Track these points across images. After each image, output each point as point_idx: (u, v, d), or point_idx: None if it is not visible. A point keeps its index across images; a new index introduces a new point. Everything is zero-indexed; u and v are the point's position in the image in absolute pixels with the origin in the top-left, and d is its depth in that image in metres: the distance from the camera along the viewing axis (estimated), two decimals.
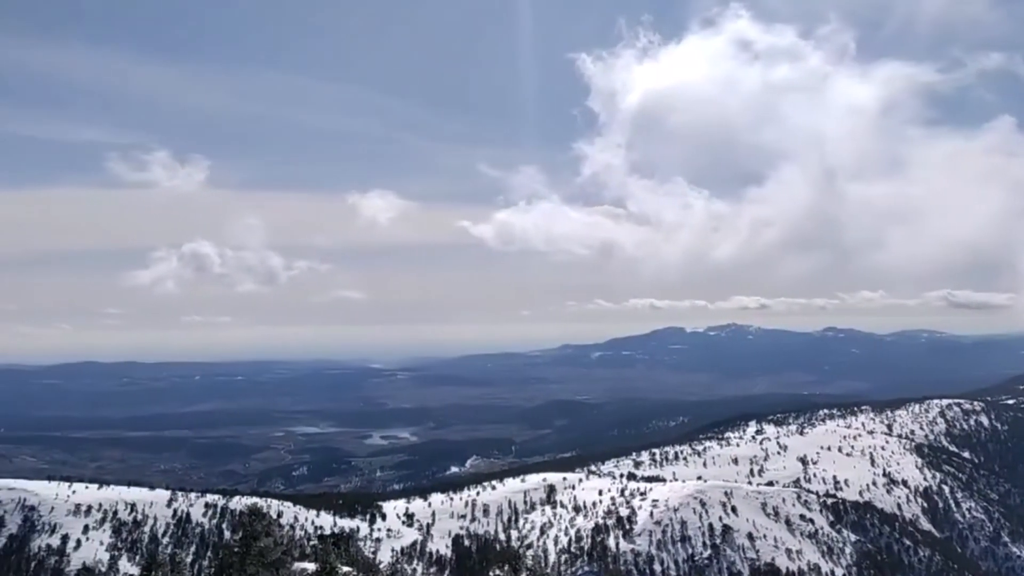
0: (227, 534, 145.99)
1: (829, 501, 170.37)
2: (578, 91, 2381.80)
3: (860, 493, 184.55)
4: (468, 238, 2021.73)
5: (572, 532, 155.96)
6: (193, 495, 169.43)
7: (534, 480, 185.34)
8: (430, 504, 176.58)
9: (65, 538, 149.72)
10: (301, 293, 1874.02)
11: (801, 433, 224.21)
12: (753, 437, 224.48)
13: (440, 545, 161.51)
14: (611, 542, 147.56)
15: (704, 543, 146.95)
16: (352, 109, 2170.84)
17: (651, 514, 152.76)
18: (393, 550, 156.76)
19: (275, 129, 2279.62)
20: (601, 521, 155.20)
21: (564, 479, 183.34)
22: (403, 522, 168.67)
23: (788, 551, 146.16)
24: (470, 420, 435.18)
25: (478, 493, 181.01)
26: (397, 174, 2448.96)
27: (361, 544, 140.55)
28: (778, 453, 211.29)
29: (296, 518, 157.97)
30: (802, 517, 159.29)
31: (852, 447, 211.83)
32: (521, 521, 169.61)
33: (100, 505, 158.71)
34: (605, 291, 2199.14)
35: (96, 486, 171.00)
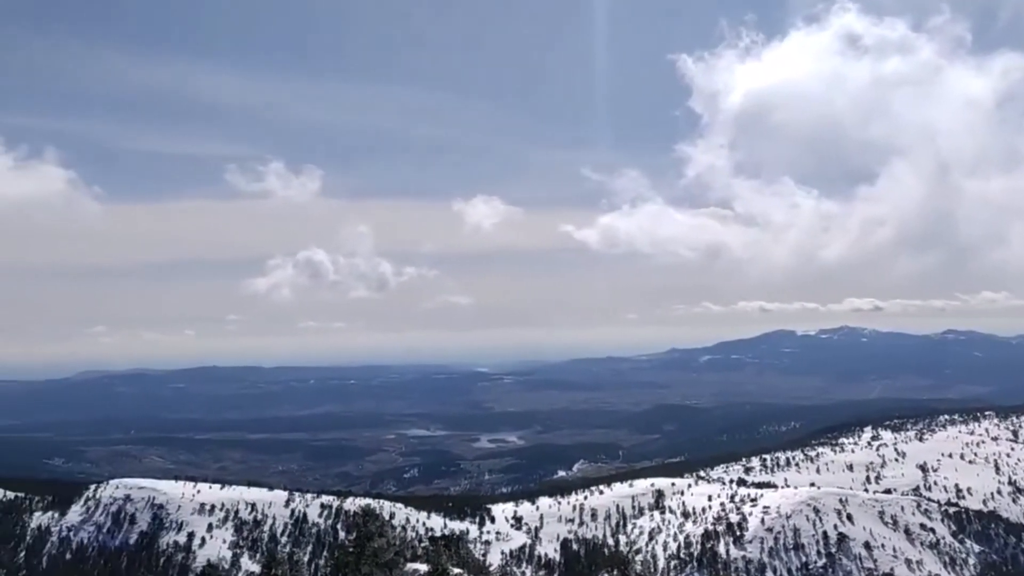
0: (342, 534, 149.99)
1: (951, 510, 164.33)
2: (679, 92, 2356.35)
3: (984, 502, 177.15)
4: (572, 242, 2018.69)
5: (681, 538, 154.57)
6: (309, 496, 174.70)
7: (642, 485, 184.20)
8: (538, 507, 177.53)
9: (191, 536, 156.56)
10: (410, 299, 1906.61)
11: (920, 439, 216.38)
12: (869, 443, 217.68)
13: (548, 549, 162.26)
14: (721, 549, 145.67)
15: (819, 551, 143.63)
16: (456, 117, 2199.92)
17: (762, 521, 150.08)
18: (503, 553, 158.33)
19: (383, 139, 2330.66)
20: (711, 527, 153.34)
21: (672, 484, 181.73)
22: (512, 525, 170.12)
23: (908, 561, 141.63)
24: (577, 424, 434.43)
25: (586, 497, 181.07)
26: (501, 180, 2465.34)
27: (471, 546, 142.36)
28: (896, 460, 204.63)
29: (408, 519, 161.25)
30: (922, 526, 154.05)
31: (975, 454, 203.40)
32: (629, 526, 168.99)
33: (223, 504, 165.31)
34: (712, 294, 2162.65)
35: (219, 486, 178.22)
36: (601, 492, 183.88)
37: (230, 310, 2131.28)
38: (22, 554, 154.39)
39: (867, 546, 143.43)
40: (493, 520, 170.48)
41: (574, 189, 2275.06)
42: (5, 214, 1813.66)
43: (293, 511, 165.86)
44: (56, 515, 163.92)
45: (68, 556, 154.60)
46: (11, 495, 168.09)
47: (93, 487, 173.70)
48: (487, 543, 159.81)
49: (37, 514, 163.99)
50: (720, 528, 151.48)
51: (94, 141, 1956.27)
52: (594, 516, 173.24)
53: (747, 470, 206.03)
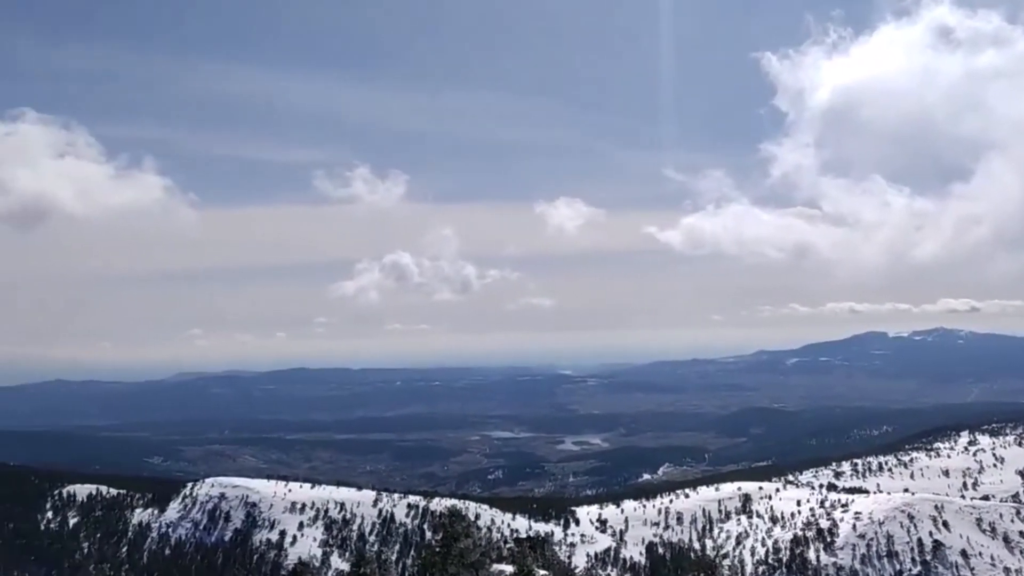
0: (428, 534, 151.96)
1: None
2: (763, 91, 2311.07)
3: None
4: (655, 244, 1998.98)
5: (769, 543, 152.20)
6: (396, 496, 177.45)
7: (729, 489, 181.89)
8: (623, 510, 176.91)
9: (283, 533, 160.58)
10: (493, 301, 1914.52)
11: (1020, 444, 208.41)
12: (966, 448, 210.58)
13: (634, 552, 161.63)
14: (811, 555, 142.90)
15: (913, 559, 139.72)
16: (539, 120, 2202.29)
17: (854, 527, 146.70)
18: (588, 555, 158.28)
19: (467, 143, 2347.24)
20: (800, 533, 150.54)
21: (760, 488, 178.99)
22: (596, 527, 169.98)
23: (1007, 570, 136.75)
24: (662, 427, 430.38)
25: (671, 501, 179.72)
26: (584, 182, 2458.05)
27: (556, 548, 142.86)
28: (994, 466, 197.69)
29: (493, 520, 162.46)
30: (1022, 534, 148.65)
31: None
32: (716, 530, 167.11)
33: (313, 503, 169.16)
34: (800, 295, 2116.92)
35: (309, 485, 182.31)
36: (687, 496, 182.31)
37: (319, 313, 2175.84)
38: (124, 548, 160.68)
39: (964, 554, 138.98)
40: (578, 522, 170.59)
41: (657, 190, 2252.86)
42: (107, 222, 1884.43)
43: (381, 511, 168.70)
44: (156, 512, 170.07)
45: (167, 552, 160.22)
46: (114, 492, 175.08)
47: (190, 485, 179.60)
48: (572, 545, 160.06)
49: (138, 510, 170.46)
50: (810, 534, 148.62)
51: (189, 149, 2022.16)
52: (680, 520, 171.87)
53: (837, 475, 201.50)
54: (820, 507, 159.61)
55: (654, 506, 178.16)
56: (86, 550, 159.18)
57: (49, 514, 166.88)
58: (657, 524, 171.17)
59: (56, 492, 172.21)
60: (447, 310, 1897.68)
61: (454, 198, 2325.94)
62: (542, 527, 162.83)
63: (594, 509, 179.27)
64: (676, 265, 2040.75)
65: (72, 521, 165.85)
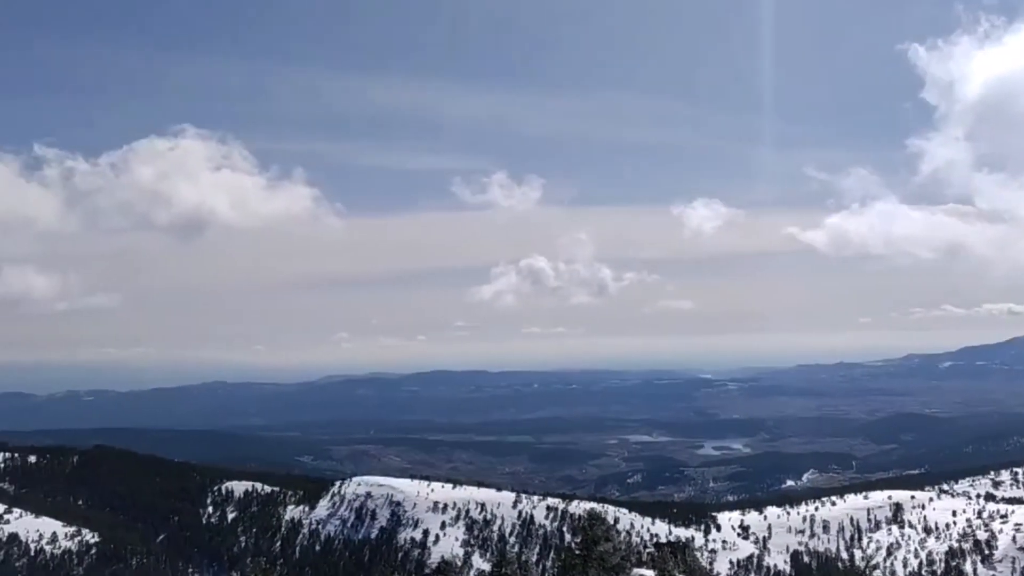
0: (568, 537, 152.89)
1: None
2: (910, 84, 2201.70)
3: None
4: (797, 244, 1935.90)
5: (923, 555, 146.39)
6: (536, 497, 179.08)
7: (878, 497, 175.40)
8: (765, 517, 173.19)
9: (426, 532, 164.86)
10: (630, 304, 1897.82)
11: None
12: None
13: (778, 560, 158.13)
14: (968, 567, 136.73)
15: None
16: (674, 121, 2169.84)
17: (1014, 539, 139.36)
18: (730, 562, 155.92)
19: (602, 146, 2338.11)
20: (956, 544, 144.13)
21: (912, 497, 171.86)
22: (738, 534, 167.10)
23: None
24: (806, 432, 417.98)
25: (816, 508, 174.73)
26: (721, 182, 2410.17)
27: (697, 554, 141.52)
28: None
29: (632, 524, 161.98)
30: None
31: None
32: (864, 540, 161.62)
33: (454, 503, 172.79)
34: (954, 296, 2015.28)
35: (451, 485, 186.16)
36: (833, 503, 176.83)
37: (458, 316, 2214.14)
38: (278, 543, 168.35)
39: None
40: (719, 528, 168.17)
41: (798, 189, 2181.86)
42: (260, 231, 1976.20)
43: (520, 512, 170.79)
44: (306, 508, 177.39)
45: (317, 547, 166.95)
46: (268, 489, 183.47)
47: (338, 483, 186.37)
48: (713, 552, 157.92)
49: (290, 507, 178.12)
50: (966, 545, 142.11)
51: (335, 160, 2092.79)
52: (826, 528, 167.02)
53: (996, 484, 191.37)
54: (977, 518, 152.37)
55: (798, 513, 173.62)
56: (243, 544, 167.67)
57: (210, 509, 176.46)
58: (802, 532, 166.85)
59: (216, 488, 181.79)
60: (584, 313, 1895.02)
61: (590, 201, 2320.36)
62: (682, 532, 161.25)
63: (736, 515, 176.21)
64: (820, 266, 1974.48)
65: (230, 516, 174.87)
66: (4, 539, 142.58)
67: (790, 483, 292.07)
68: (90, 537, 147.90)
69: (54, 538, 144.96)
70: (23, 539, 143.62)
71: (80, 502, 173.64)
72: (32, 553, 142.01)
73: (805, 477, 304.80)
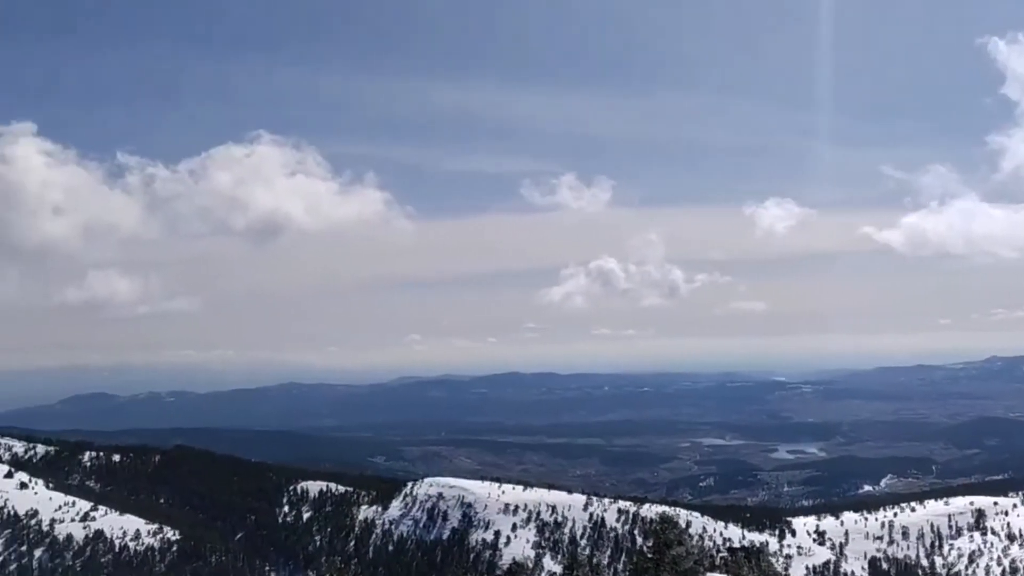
0: (639, 540, 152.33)
1: None
2: (990, 79, 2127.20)
3: None
4: (873, 244, 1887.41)
5: (1006, 562, 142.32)
6: (607, 500, 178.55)
7: (959, 503, 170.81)
8: (842, 523, 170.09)
9: (497, 534, 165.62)
10: (702, 305, 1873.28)
11: None
12: None
13: (855, 567, 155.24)
14: None
15: None
16: (745, 119, 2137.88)
17: None
18: (806, 568, 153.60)
19: (672, 146, 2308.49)
20: None
21: (995, 504, 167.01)
22: (814, 540, 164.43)
23: None
24: (883, 436, 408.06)
25: (895, 514, 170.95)
26: (794, 181, 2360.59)
27: (772, 559, 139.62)
28: None
29: (704, 528, 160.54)
30: None
31: None
32: (945, 547, 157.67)
33: (525, 505, 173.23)
34: None
35: (521, 487, 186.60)
36: (913, 509, 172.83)
37: (528, 318, 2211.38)
38: (352, 543, 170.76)
39: None
40: (794, 533, 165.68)
41: (874, 188, 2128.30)
42: (333, 235, 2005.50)
43: (591, 515, 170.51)
44: (379, 509, 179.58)
45: (390, 547, 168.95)
46: (342, 489, 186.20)
47: (410, 484, 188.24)
48: (788, 557, 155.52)
49: (364, 507, 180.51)
50: None
51: (406, 164, 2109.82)
52: (905, 535, 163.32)
53: None
54: None
55: (876, 519, 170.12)
56: (318, 543, 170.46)
57: (286, 508, 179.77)
58: (880, 538, 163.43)
59: (292, 488, 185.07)
60: (654, 315, 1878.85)
61: (660, 202, 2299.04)
62: (756, 537, 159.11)
63: (811, 520, 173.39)
64: (897, 266, 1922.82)
65: (305, 515, 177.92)
66: (91, 535, 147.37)
67: (867, 488, 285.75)
68: (171, 535, 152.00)
69: (137, 535, 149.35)
70: (108, 536, 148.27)
71: (162, 500, 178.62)
72: (117, 549, 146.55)
73: (883, 482, 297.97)
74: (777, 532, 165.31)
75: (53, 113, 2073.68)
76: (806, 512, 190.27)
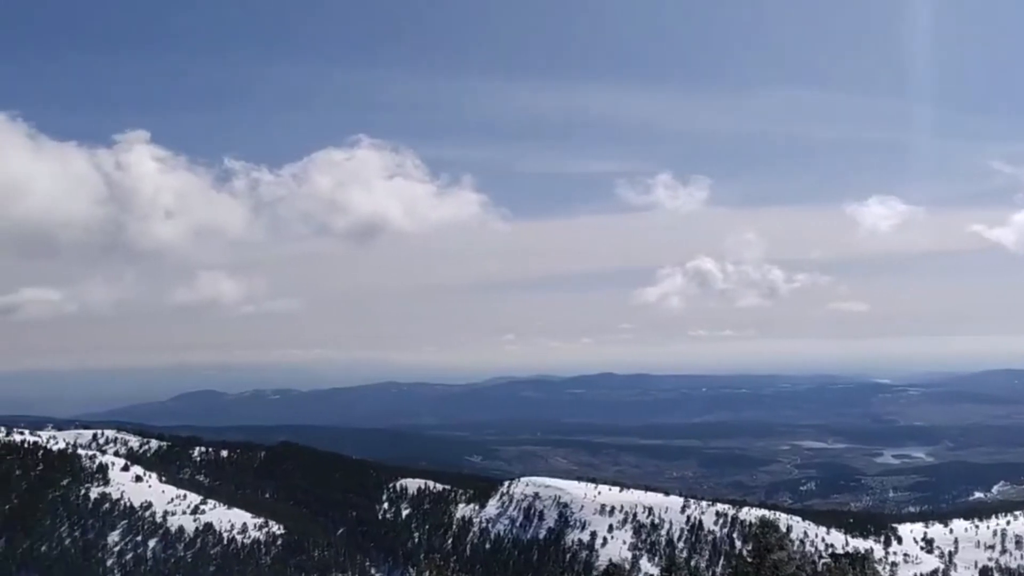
0: (738, 544, 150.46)
1: None
2: None
3: None
4: (982, 243, 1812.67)
5: None
6: (704, 503, 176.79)
7: None
8: (951, 530, 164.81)
9: (593, 535, 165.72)
10: (801, 306, 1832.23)
11: None
12: None
13: None
14: None
15: None
16: (845, 116, 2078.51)
17: None
18: None
19: (770, 144, 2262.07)
20: None
21: None
22: (921, 547, 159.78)
23: None
24: (995, 441, 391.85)
25: (1008, 522, 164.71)
26: (898, 178, 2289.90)
27: (877, 567, 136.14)
28: None
29: (806, 533, 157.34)
30: None
31: None
32: None
33: (621, 506, 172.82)
34: None
35: (617, 489, 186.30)
36: None
37: (623, 319, 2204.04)
38: (450, 540, 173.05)
39: None
40: (900, 540, 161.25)
41: (983, 184, 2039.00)
42: (430, 236, 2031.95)
43: (689, 517, 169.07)
44: (476, 507, 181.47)
45: (487, 545, 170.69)
46: (440, 487, 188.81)
47: (507, 484, 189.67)
48: (894, 565, 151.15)
49: (461, 505, 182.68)
50: None
51: (501, 166, 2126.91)
52: (1019, 544, 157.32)
53: None
54: None
55: (988, 527, 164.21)
56: (416, 540, 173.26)
57: (385, 505, 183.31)
58: (992, 547, 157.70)
59: (391, 485, 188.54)
60: (752, 316, 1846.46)
61: (759, 201, 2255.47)
62: (860, 543, 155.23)
63: (918, 527, 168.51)
64: (1008, 266, 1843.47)
65: (404, 512, 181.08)
66: (201, 528, 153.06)
67: (978, 495, 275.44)
68: (276, 529, 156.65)
69: (244, 528, 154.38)
70: (217, 528, 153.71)
71: (267, 495, 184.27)
72: (225, 542, 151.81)
73: (995, 489, 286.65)
74: (882, 539, 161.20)
75: (164, 121, 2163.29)
76: (913, 519, 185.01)
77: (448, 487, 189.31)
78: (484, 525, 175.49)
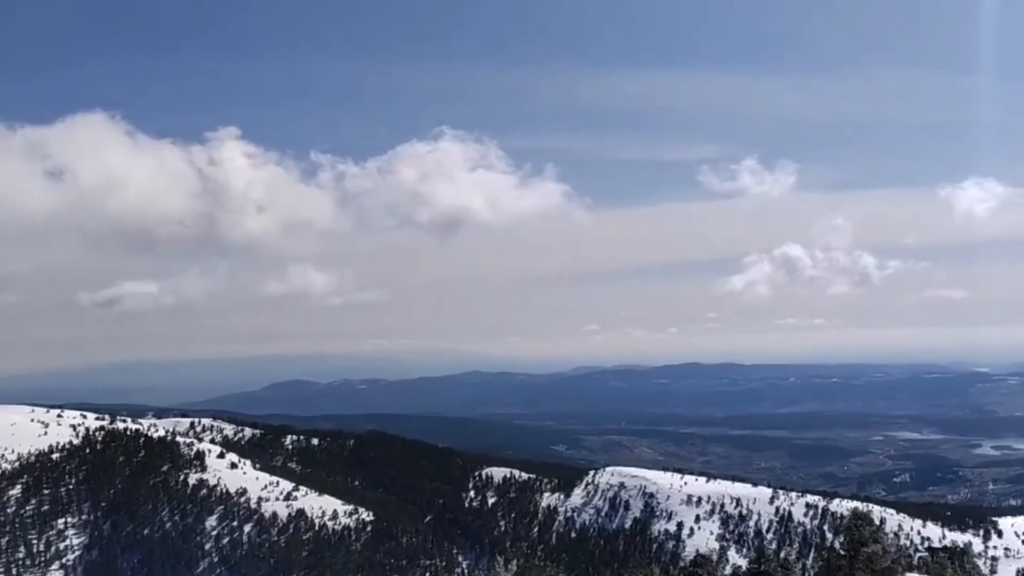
0: (828, 536, 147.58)
1: None
2: None
3: None
4: None
5: None
6: (794, 494, 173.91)
7: None
8: None
9: (680, 525, 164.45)
10: (894, 293, 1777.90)
11: None
12: None
13: None
14: None
15: None
16: (939, 95, 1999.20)
17: None
18: (1017, 572, 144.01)
19: (860, 126, 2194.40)
20: None
21: None
22: (1023, 542, 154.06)
23: None
24: None
25: None
26: (996, 160, 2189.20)
27: (976, 561, 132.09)
28: None
29: (900, 526, 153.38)
30: None
31: None
32: None
33: (708, 497, 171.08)
34: None
35: (704, 479, 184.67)
36: None
37: (709, 308, 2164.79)
38: (535, 529, 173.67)
39: None
40: (1000, 534, 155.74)
41: None
42: (513, 227, 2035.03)
43: (778, 509, 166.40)
44: (561, 496, 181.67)
45: (573, 535, 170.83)
46: (525, 476, 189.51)
47: (592, 473, 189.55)
48: (994, 559, 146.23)
49: (546, 494, 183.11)
50: None
51: (583, 155, 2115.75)
52: None
53: None
54: None
55: None
56: (502, 528, 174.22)
57: (471, 493, 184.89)
58: None
59: (477, 473, 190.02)
60: (843, 303, 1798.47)
61: (848, 185, 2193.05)
62: (958, 537, 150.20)
63: (1020, 521, 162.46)
64: None
65: (490, 501, 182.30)
66: (293, 514, 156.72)
67: None
68: (366, 516, 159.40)
69: (335, 515, 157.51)
70: (309, 515, 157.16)
71: (356, 482, 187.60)
72: (316, 528, 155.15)
73: None
74: (982, 532, 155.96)
75: (254, 118, 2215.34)
76: (1014, 512, 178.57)
77: (533, 476, 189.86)
78: (569, 514, 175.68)
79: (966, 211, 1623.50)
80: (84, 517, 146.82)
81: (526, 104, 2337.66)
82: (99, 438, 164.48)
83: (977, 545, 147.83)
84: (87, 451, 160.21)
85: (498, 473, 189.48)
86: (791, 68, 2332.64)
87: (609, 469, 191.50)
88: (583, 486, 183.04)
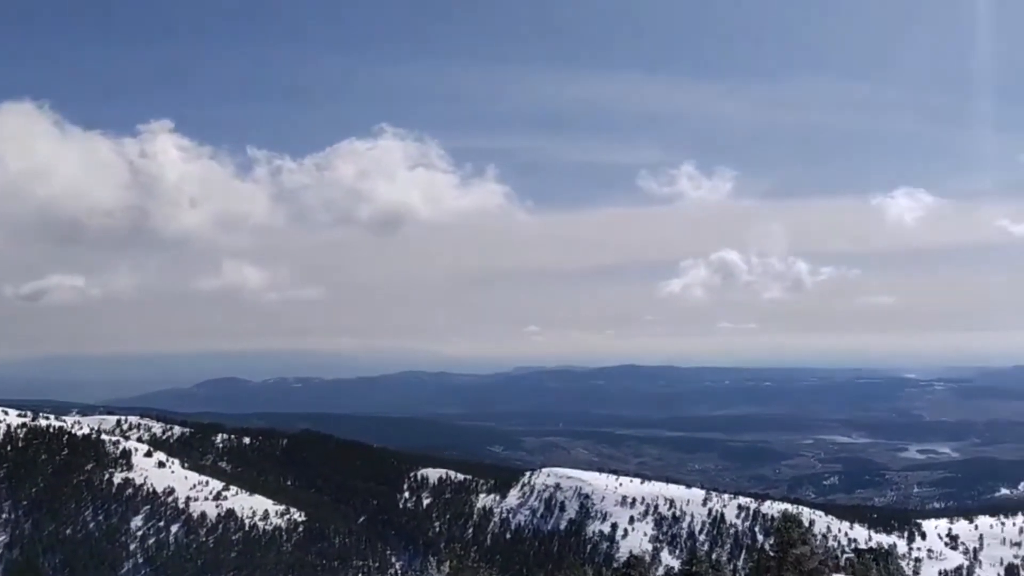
0: (760, 537, 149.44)
1: None
2: None
3: None
4: (1011, 237, 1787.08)
5: None
6: (726, 496, 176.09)
7: None
8: (976, 527, 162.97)
9: (614, 526, 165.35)
10: (827, 299, 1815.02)
11: None
12: None
13: (990, 573, 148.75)
14: None
15: None
16: (872, 106, 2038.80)
17: None
18: (939, 573, 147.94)
19: (796, 135, 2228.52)
20: None
21: None
22: (946, 543, 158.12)
23: None
24: (1022, 438, 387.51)
25: None
26: (925, 170, 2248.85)
27: (901, 563, 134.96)
28: None
29: (828, 528, 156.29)
30: None
31: None
32: None
33: (642, 498, 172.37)
34: None
35: (639, 480, 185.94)
36: None
37: (646, 311, 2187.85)
38: (470, 530, 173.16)
39: None
40: (924, 536, 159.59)
41: (1012, 177, 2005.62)
42: (453, 227, 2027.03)
43: (711, 510, 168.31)
44: (497, 497, 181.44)
45: (508, 536, 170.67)
46: (461, 477, 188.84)
47: (528, 474, 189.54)
48: (918, 561, 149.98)
49: (482, 495, 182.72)
50: None
51: (525, 157, 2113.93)
52: None
53: None
54: None
55: (1014, 524, 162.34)
56: (437, 529, 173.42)
57: (406, 494, 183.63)
58: (1018, 544, 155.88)
59: (412, 474, 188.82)
60: (778, 309, 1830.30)
61: (784, 193, 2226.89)
62: (883, 539, 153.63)
63: (943, 523, 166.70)
64: None
65: (425, 502, 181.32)
66: (223, 514, 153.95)
67: (1004, 491, 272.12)
68: (297, 516, 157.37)
69: (266, 515, 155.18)
70: (239, 515, 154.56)
71: (288, 482, 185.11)
72: (247, 528, 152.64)
73: (1021, 486, 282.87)
74: (906, 534, 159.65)
75: (188, 111, 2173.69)
76: (938, 515, 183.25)
77: (469, 477, 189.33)
78: (505, 515, 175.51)
79: (896, 220, 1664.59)
80: (5, 516, 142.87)
81: (468, 104, 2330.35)
82: (21, 435, 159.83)
83: (902, 547, 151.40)
84: (8, 448, 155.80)
85: (434, 474, 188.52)
86: (729, 75, 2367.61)
87: (545, 470, 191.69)
88: (519, 487, 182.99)
